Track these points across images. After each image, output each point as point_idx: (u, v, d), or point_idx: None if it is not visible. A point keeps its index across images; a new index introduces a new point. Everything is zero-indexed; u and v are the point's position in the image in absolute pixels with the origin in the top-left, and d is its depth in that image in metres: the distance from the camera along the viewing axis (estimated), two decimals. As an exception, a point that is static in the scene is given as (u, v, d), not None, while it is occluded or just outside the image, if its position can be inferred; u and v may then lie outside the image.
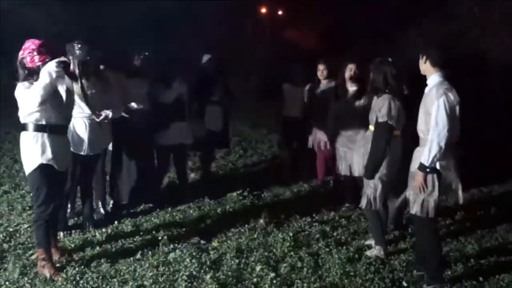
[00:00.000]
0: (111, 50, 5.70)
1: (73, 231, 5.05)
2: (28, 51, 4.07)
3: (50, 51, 4.10)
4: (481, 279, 4.17)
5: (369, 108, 4.66)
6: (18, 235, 4.99)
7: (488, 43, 10.11)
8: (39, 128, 4.08)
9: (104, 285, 4.03)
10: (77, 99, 4.69)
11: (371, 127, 4.57)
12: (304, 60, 7.87)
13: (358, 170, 5.24)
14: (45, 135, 4.09)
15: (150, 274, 4.18)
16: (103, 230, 5.11)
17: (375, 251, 4.66)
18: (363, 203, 4.61)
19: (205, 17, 14.51)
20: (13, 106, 4.26)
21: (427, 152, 3.85)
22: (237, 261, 4.44)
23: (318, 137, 6.46)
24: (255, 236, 5.00)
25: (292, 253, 4.63)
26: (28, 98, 4.00)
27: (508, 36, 10.04)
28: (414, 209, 4.01)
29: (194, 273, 4.21)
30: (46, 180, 4.10)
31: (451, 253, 4.70)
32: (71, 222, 5.33)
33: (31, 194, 4.57)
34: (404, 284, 4.13)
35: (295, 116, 6.71)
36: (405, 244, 4.91)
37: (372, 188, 4.53)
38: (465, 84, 4.03)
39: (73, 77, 4.29)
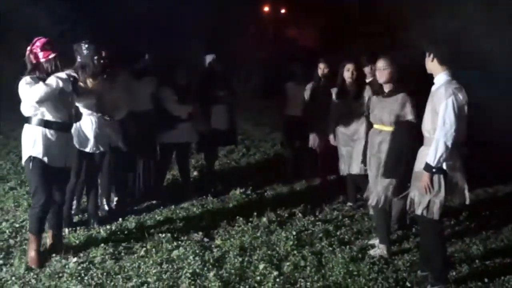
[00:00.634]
0: (118, 50, 5.70)
1: (78, 228, 5.07)
2: (34, 48, 4.24)
3: (55, 48, 4.26)
4: (486, 280, 4.16)
5: (368, 107, 4.66)
6: (24, 231, 5.00)
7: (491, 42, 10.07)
8: (36, 122, 4.24)
9: (108, 282, 4.05)
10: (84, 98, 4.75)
11: (379, 126, 4.55)
12: (307, 58, 7.86)
13: (356, 168, 5.26)
14: (41, 129, 4.22)
15: (154, 271, 4.19)
16: (108, 227, 5.13)
17: (378, 250, 4.65)
18: (372, 200, 4.58)
19: (206, 15, 14.49)
20: (18, 103, 4.31)
21: (433, 152, 3.80)
22: (240, 259, 4.44)
23: (314, 137, 6.44)
24: (258, 234, 5.01)
25: (295, 252, 4.63)
26: (28, 94, 4.12)
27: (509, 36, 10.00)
28: (420, 210, 3.97)
29: (198, 270, 4.22)
30: (38, 172, 4.26)
31: (455, 254, 4.70)
32: (76, 219, 5.36)
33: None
34: (408, 284, 4.12)
35: (298, 115, 6.71)
36: (409, 244, 4.91)
37: (384, 187, 4.49)
38: (467, 83, 3.99)
39: (77, 90, 4.38)
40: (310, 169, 6.92)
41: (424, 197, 3.93)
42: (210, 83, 6.34)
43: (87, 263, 4.33)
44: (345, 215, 5.66)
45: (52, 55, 4.23)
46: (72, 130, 4.77)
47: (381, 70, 4.52)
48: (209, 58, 6.47)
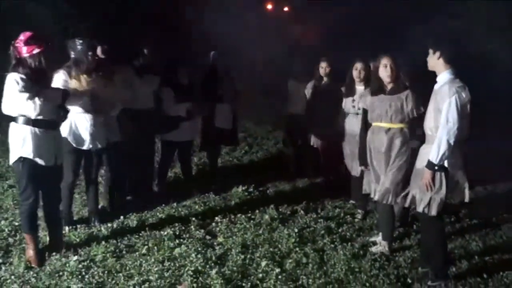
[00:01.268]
0: (120, 46, 5.69)
1: (78, 226, 5.06)
2: (17, 42, 4.12)
3: (40, 43, 4.12)
4: (485, 276, 4.18)
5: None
6: (23, 229, 5.00)
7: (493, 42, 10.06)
8: (24, 121, 4.14)
9: (109, 280, 4.05)
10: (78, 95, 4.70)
11: (383, 124, 4.53)
12: (309, 56, 7.84)
13: (357, 169, 5.27)
14: (29, 128, 4.14)
15: (156, 269, 4.19)
16: (109, 224, 5.12)
17: (380, 247, 4.66)
18: (379, 196, 4.56)
19: (208, 14, 14.47)
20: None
21: (435, 149, 3.81)
22: (242, 256, 4.45)
23: (315, 135, 6.43)
24: (260, 231, 5.01)
25: (297, 249, 4.64)
26: (22, 105, 4.05)
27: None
28: (421, 207, 3.98)
29: (200, 268, 4.22)
30: (27, 172, 4.19)
31: (455, 250, 4.72)
32: (76, 216, 5.35)
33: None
34: (409, 280, 4.13)
35: (299, 113, 6.69)
36: (410, 241, 4.92)
37: (394, 183, 4.47)
38: (470, 82, 3.99)
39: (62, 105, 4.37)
40: (312, 167, 6.92)
41: (426, 194, 3.94)
42: (213, 82, 6.33)
43: (88, 261, 4.32)
44: (347, 213, 5.67)
45: (36, 50, 4.07)
46: (68, 129, 4.76)
47: (385, 68, 4.52)
48: (212, 57, 6.44)
